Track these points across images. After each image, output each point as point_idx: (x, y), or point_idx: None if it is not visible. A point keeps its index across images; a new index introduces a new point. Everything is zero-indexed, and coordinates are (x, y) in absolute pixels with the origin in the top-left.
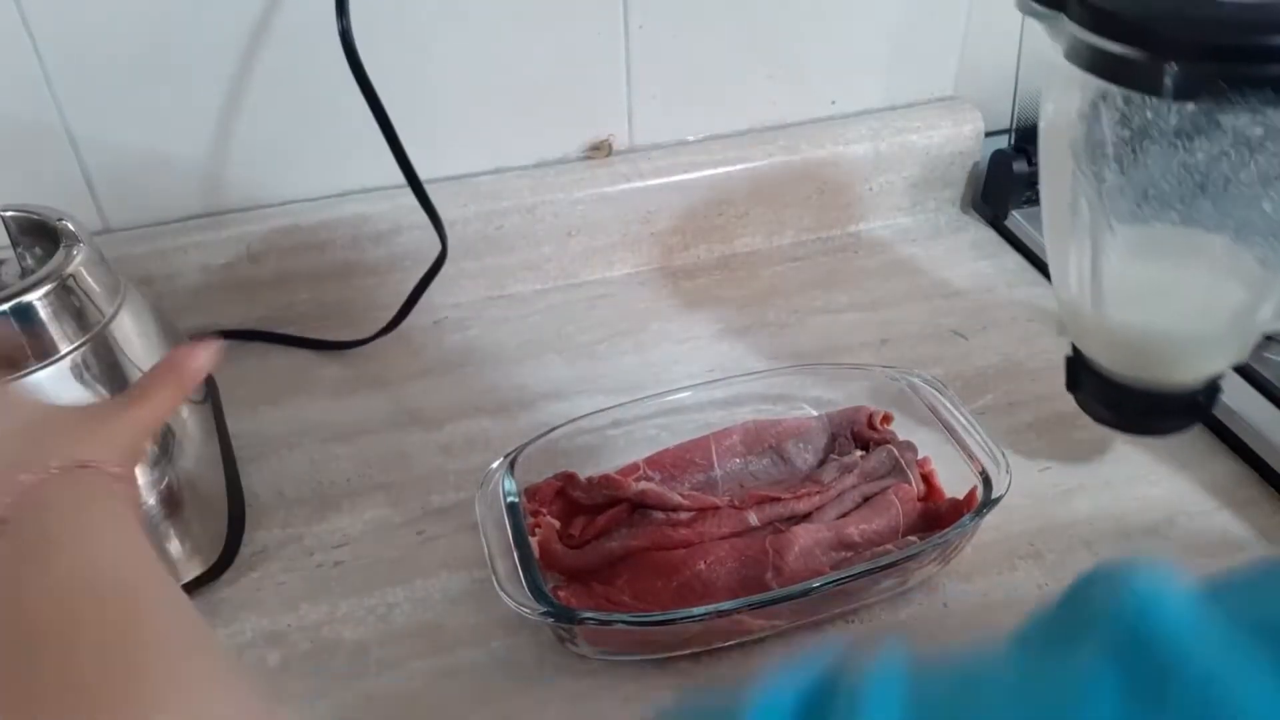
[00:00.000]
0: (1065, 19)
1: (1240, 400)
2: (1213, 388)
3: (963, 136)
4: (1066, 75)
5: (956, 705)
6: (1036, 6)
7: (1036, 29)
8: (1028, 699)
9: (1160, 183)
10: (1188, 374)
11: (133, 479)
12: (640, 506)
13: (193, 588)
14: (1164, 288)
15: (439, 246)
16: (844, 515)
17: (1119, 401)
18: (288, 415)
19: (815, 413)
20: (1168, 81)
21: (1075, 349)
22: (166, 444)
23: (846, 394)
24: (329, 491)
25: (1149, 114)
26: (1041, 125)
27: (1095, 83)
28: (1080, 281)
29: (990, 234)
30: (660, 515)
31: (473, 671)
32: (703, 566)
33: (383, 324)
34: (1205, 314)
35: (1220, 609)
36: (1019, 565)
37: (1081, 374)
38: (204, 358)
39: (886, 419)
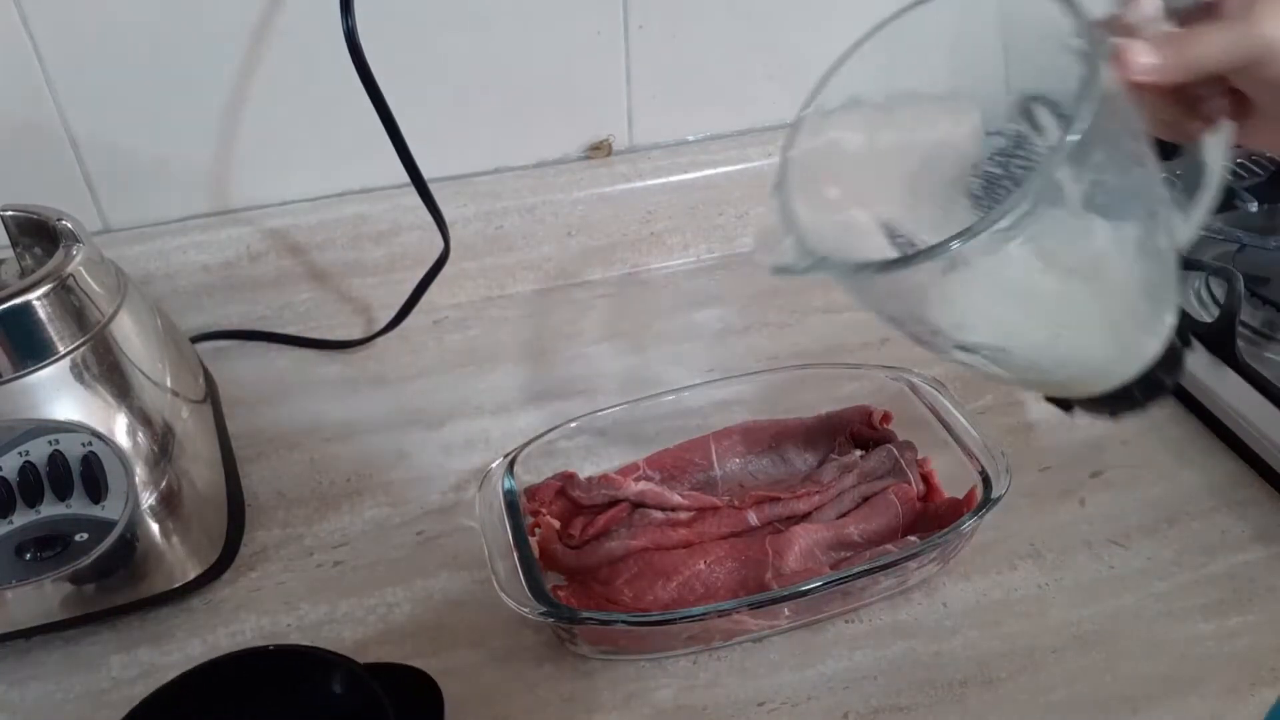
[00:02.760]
0: None
1: (1240, 400)
2: (1171, 358)
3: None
4: None
5: None
6: None
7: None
8: None
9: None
10: (1116, 377)
11: None
12: (640, 506)
13: (193, 588)
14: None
15: (439, 246)
16: (844, 515)
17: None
18: (288, 415)
19: (815, 413)
20: None
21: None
22: (166, 444)
23: (846, 394)
24: (329, 491)
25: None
26: None
27: None
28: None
29: None
30: (660, 515)
31: (473, 671)
32: (702, 566)
33: (383, 324)
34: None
35: None
36: (1019, 565)
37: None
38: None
39: (886, 419)
